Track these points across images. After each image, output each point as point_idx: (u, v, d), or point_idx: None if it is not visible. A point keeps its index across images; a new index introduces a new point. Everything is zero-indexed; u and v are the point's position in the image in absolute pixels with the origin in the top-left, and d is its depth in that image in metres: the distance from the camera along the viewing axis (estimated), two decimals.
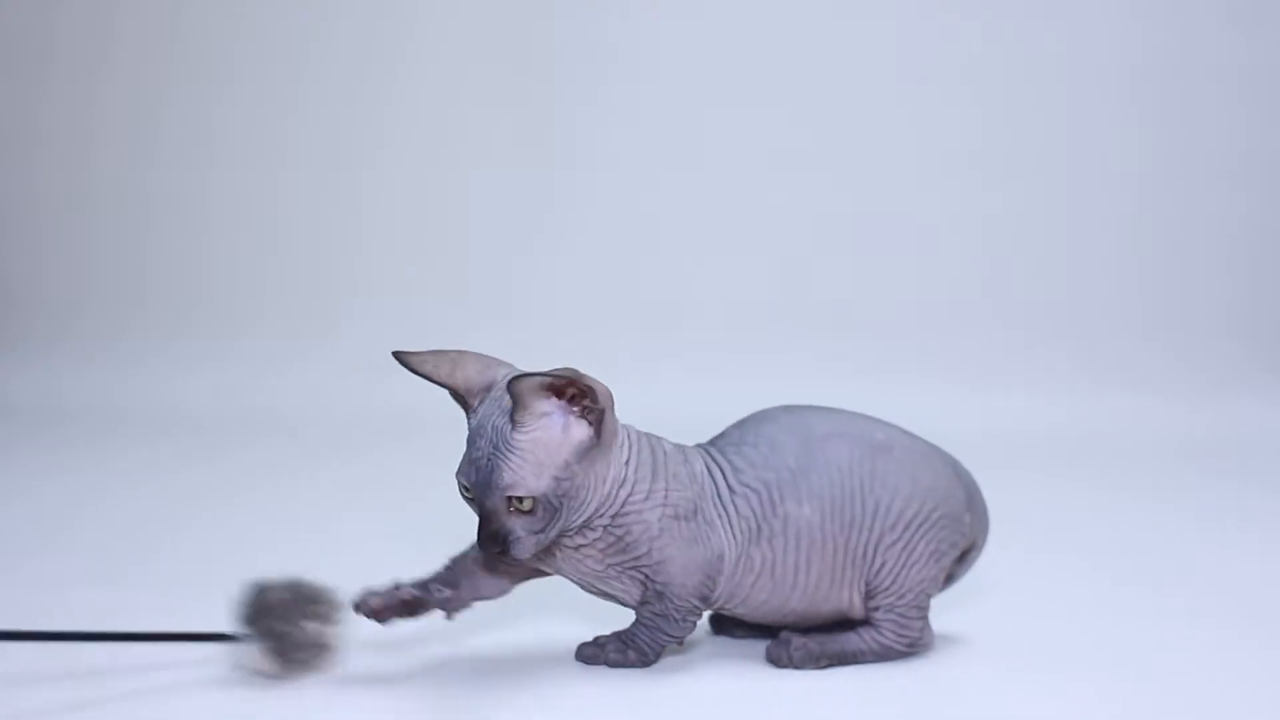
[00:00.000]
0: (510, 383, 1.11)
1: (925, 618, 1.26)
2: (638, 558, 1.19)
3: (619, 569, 1.20)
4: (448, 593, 1.22)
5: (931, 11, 2.91)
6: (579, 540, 1.19)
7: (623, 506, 1.17)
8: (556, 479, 1.12)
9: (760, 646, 1.29)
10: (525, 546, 1.13)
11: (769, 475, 1.21)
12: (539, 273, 2.89)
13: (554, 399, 1.13)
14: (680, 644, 1.27)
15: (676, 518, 1.18)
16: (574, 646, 1.26)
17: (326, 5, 3.04)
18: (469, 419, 1.16)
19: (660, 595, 1.21)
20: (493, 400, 1.14)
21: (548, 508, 1.12)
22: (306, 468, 2.22)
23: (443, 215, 2.99)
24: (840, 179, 2.90)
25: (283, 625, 1.15)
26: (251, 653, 1.15)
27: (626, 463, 1.18)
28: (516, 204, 2.95)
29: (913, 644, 1.26)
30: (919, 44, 2.91)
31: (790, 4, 2.94)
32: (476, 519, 1.14)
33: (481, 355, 1.18)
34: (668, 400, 2.31)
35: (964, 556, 1.31)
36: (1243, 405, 2.62)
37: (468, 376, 1.16)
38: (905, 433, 1.27)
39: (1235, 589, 1.57)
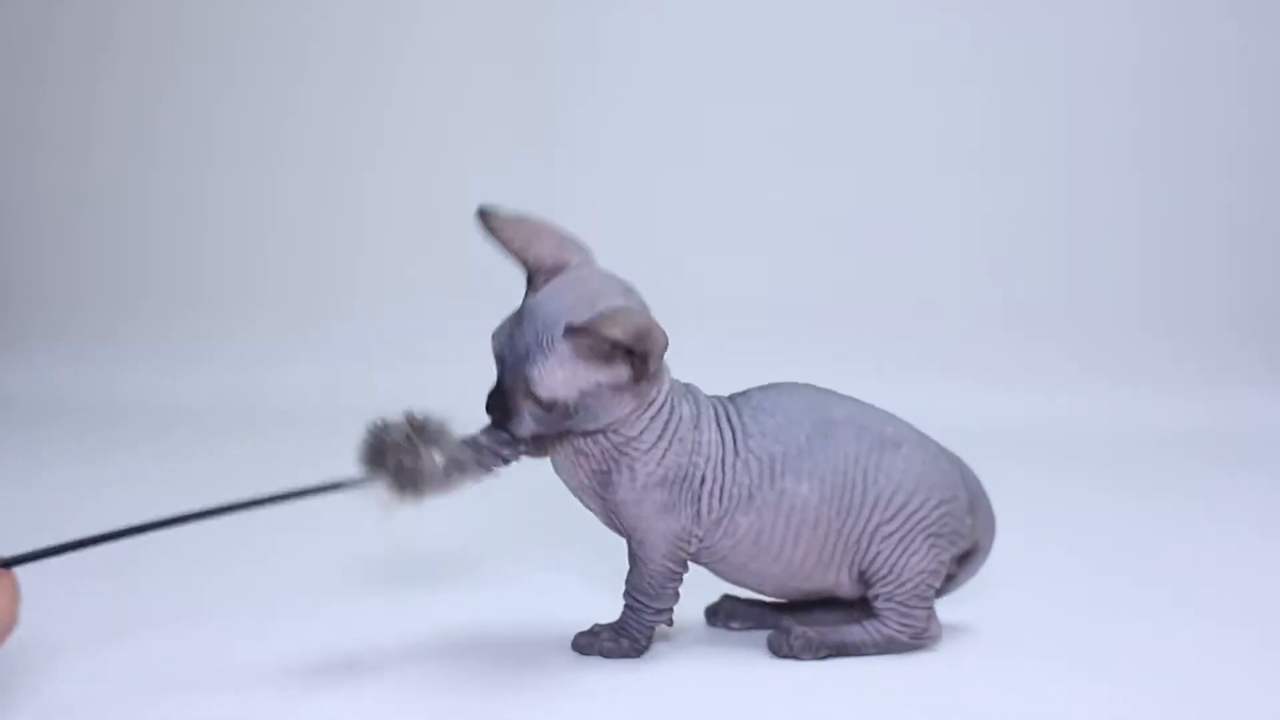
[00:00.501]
0: (588, 321, 1.10)
1: (930, 608, 1.26)
2: (617, 503, 1.20)
3: (600, 501, 1.21)
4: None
5: (932, 6, 2.91)
6: (580, 445, 1.19)
7: (626, 444, 1.18)
8: (582, 392, 1.13)
9: (756, 637, 1.29)
10: (525, 427, 1.14)
11: (776, 448, 1.21)
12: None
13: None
14: (670, 623, 1.26)
15: (662, 482, 1.19)
16: (569, 635, 1.26)
17: (326, 5, 3.05)
18: (527, 293, 1.16)
19: (635, 562, 1.22)
20: (557, 286, 1.14)
21: (561, 411, 1.13)
22: (306, 464, 2.22)
23: (442, 213, 2.98)
24: (840, 176, 2.89)
25: (407, 458, 1.14)
26: (381, 489, 1.15)
27: (650, 404, 1.18)
28: (516, 202, 2.95)
29: (918, 635, 1.26)
30: (919, 39, 2.91)
31: (790, 1, 2.94)
32: (495, 379, 1.14)
33: (559, 232, 1.18)
34: None
35: (968, 559, 1.31)
36: (1243, 398, 2.61)
37: (540, 254, 1.16)
38: (917, 433, 1.28)
39: (1238, 583, 1.56)
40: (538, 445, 1.21)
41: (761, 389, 1.25)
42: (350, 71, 3.02)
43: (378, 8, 3.01)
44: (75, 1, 3.08)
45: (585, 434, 1.18)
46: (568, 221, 3.13)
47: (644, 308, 1.16)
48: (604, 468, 1.20)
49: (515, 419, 1.14)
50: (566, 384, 1.12)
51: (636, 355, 1.13)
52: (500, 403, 1.14)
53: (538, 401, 1.13)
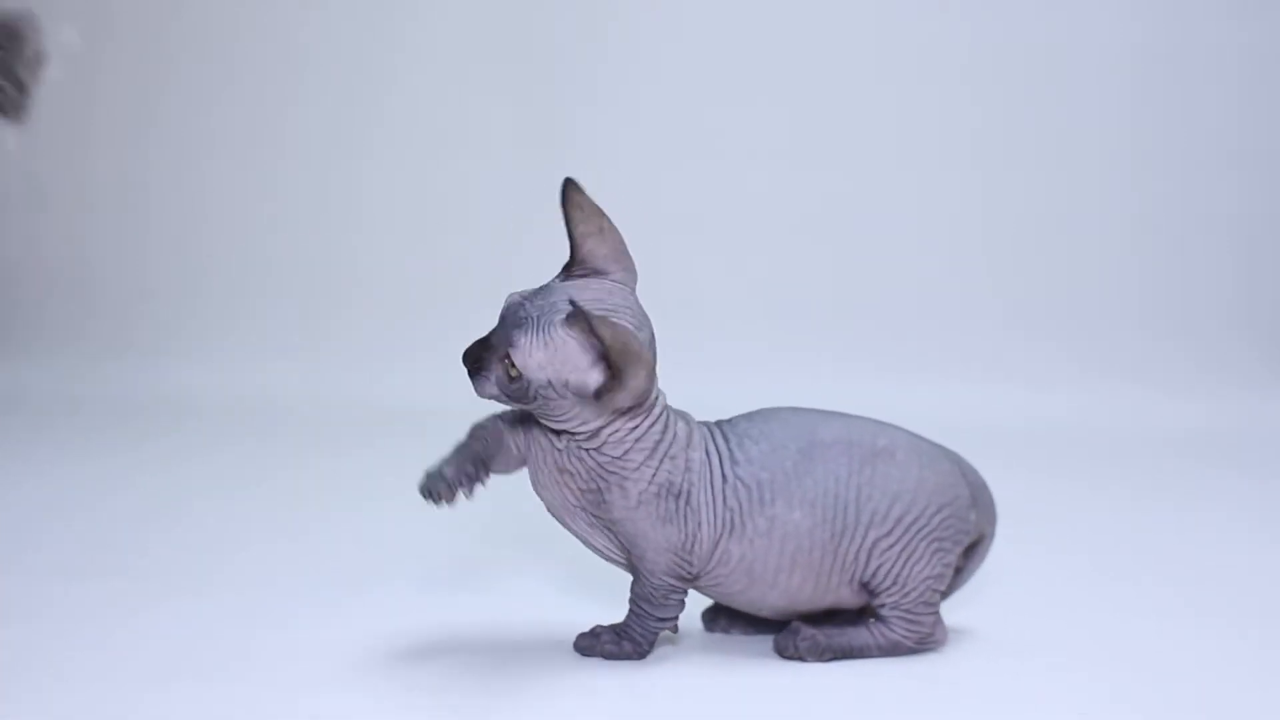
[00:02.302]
0: (578, 310, 1.12)
1: (936, 613, 1.26)
2: (613, 520, 1.20)
3: (594, 519, 1.21)
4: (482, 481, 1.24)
5: (932, 6, 2.91)
6: (565, 464, 1.20)
7: (612, 463, 1.18)
8: (549, 381, 1.14)
9: (756, 641, 1.29)
10: (487, 387, 1.16)
11: (764, 474, 1.21)
12: (539, 269, 2.89)
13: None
14: (674, 630, 1.26)
15: (658, 495, 1.19)
16: (571, 636, 1.26)
17: (327, 3, 3.04)
18: (559, 275, 1.19)
19: (637, 574, 1.22)
20: (585, 284, 1.17)
21: (523, 389, 1.14)
22: (311, 459, 2.22)
23: (443, 210, 2.99)
24: (839, 174, 2.89)
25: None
26: None
27: (634, 429, 1.18)
28: (516, 199, 2.95)
29: (923, 639, 1.26)
30: (917, 38, 2.91)
31: (790, 1, 2.94)
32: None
33: (622, 246, 1.19)
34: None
35: (973, 549, 1.31)
36: (1243, 398, 2.61)
37: (592, 250, 1.18)
38: (911, 436, 1.27)
39: (1238, 583, 1.56)
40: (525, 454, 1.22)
41: (747, 416, 1.25)
42: (351, 71, 3.01)
43: (378, 5, 3.00)
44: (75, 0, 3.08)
45: (546, 426, 1.18)
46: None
47: (649, 344, 1.17)
48: (593, 486, 1.19)
49: (482, 375, 1.15)
50: (540, 366, 1.13)
51: (612, 371, 1.13)
52: (477, 353, 1.16)
53: (508, 368, 1.14)
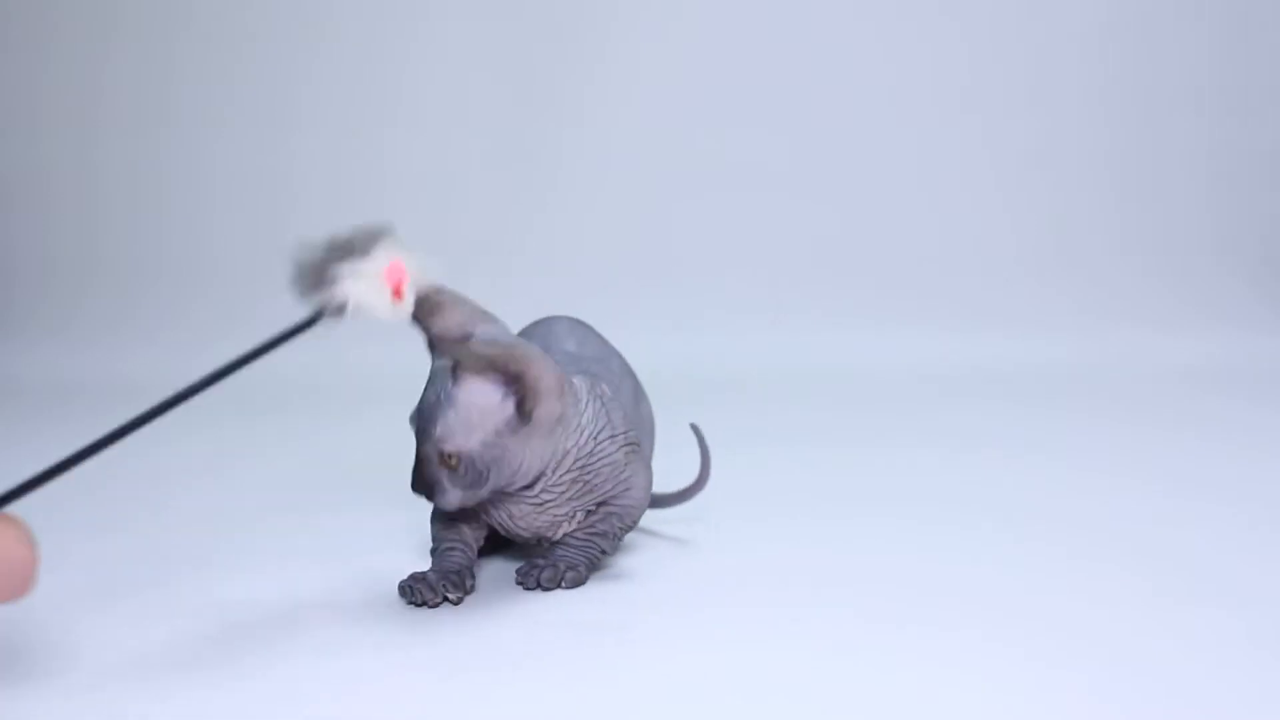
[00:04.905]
0: (453, 348, 1.09)
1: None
2: (606, 492, 1.19)
3: (582, 507, 1.19)
4: (471, 583, 1.18)
5: None
6: (545, 497, 1.17)
7: (593, 452, 1.17)
8: (484, 444, 1.09)
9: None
10: (451, 499, 1.10)
11: (627, 405, 1.24)
12: (537, 268, 2.88)
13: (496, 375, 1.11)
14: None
15: (632, 448, 1.20)
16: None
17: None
18: (433, 362, 1.14)
19: (609, 515, 1.21)
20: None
21: (472, 469, 1.10)
22: (310, 439, 2.23)
23: (451, 206, 2.98)
24: (835, 127, 2.87)
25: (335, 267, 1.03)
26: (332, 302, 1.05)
27: (582, 415, 1.17)
28: (516, 176, 2.94)
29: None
30: None
31: None
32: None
33: (469, 306, 1.12)
34: (668, 355, 2.28)
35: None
36: (1234, 333, 2.59)
37: (447, 330, 1.11)
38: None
39: (1237, 564, 1.51)
40: (491, 514, 1.19)
41: (545, 332, 1.26)
42: (357, 51, 3.00)
43: (383, 4, 2.99)
44: None
45: (516, 489, 1.15)
46: (567, 184, 3.06)
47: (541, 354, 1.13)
48: (582, 484, 1.18)
49: (438, 489, 1.10)
50: (467, 433, 1.08)
51: (517, 385, 1.10)
52: (421, 478, 1.10)
53: (449, 463, 1.09)
